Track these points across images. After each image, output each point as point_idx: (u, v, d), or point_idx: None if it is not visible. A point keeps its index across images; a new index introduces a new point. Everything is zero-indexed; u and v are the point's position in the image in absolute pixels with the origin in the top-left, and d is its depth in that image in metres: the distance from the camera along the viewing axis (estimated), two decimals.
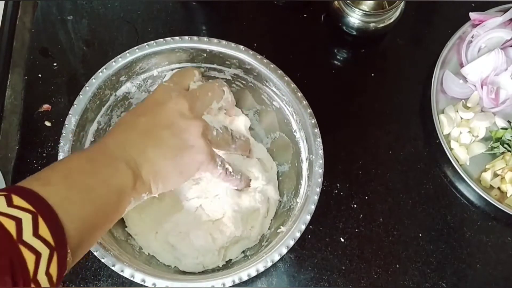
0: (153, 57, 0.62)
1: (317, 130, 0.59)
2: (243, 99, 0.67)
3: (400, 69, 0.75)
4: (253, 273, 0.53)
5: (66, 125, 0.58)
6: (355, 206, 0.67)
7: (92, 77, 0.60)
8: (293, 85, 0.60)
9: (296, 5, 0.77)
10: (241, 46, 0.61)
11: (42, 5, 0.77)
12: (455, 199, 0.68)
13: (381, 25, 0.71)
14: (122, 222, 0.61)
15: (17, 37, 0.75)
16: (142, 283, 0.53)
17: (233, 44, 0.61)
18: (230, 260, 0.61)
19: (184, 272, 0.60)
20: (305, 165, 0.60)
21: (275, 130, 0.66)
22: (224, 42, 0.61)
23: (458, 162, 0.67)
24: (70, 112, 0.58)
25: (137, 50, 0.61)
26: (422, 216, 0.67)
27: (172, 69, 0.64)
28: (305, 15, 0.77)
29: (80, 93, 0.59)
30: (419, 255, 0.65)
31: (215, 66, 0.64)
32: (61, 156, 0.57)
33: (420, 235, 0.66)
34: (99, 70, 0.60)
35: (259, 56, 0.61)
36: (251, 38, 0.74)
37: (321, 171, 0.57)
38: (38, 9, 0.76)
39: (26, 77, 0.73)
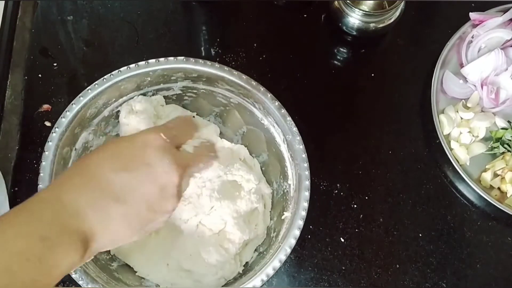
0: (99, 98, 0.60)
1: (283, 111, 0.59)
2: (200, 107, 0.66)
3: (400, 69, 0.75)
4: (278, 265, 0.54)
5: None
6: (355, 206, 0.67)
7: (48, 139, 0.58)
8: (244, 76, 0.60)
9: (296, 5, 0.77)
10: (182, 57, 0.60)
11: (42, 5, 0.77)
12: (455, 199, 0.68)
13: (381, 25, 0.71)
14: (130, 268, 0.60)
15: (17, 37, 0.75)
16: None
17: (172, 58, 0.60)
18: (247, 263, 0.61)
19: None
20: (284, 147, 0.60)
21: (241, 125, 0.66)
22: (162, 59, 0.60)
23: (458, 162, 0.67)
24: (39, 182, 0.57)
25: (81, 98, 0.59)
26: (422, 216, 0.67)
27: (121, 104, 0.62)
28: (305, 15, 0.77)
29: (42, 160, 0.57)
30: (419, 255, 0.65)
31: (161, 86, 0.63)
32: None
33: (420, 235, 0.66)
34: (52, 130, 0.58)
35: (201, 61, 0.60)
36: (251, 38, 0.75)
37: (302, 147, 0.58)
38: (38, 9, 0.76)
39: (26, 77, 0.73)
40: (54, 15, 0.76)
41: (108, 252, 0.60)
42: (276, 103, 0.59)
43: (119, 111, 0.62)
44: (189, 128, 0.53)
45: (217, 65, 0.60)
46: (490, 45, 0.73)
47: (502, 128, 0.70)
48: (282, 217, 0.58)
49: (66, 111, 0.59)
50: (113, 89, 0.60)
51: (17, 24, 0.75)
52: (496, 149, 0.68)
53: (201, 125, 0.65)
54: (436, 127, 0.68)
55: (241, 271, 0.60)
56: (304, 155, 0.57)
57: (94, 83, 0.59)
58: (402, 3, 0.71)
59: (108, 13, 0.76)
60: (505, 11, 0.73)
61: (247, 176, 0.61)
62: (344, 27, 0.73)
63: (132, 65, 0.60)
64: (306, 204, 0.56)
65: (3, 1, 0.75)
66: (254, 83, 0.60)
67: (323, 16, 0.77)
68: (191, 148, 0.51)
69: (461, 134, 0.69)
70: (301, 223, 0.55)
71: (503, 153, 0.68)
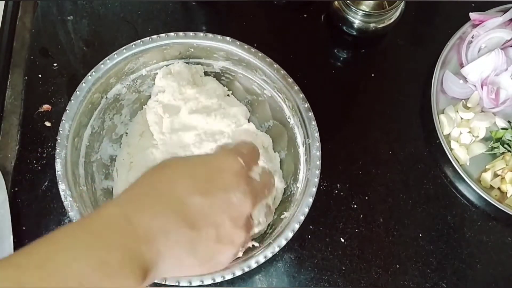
0: (141, 56, 0.62)
1: (311, 114, 0.59)
2: (234, 90, 0.67)
3: (400, 69, 0.75)
4: (262, 260, 0.54)
5: (61, 131, 0.58)
6: (355, 206, 0.67)
7: (82, 81, 0.60)
8: (283, 71, 0.60)
9: (296, 5, 0.77)
10: (228, 38, 0.61)
11: (42, 5, 0.77)
12: (455, 199, 0.68)
13: (381, 25, 0.71)
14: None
15: (17, 37, 0.75)
16: None
17: (219, 37, 0.62)
18: None
19: None
20: (302, 150, 0.60)
21: (268, 118, 0.66)
22: (210, 35, 0.61)
23: (458, 162, 0.67)
24: (63, 118, 0.59)
25: (124, 51, 0.61)
26: (422, 216, 0.67)
27: (161, 67, 0.64)
28: (305, 15, 0.77)
29: (72, 98, 0.59)
30: (419, 255, 0.65)
31: (203, 60, 0.65)
32: (58, 163, 0.57)
33: (420, 235, 0.66)
34: (88, 74, 0.60)
35: (246, 46, 0.61)
36: (251, 38, 0.74)
37: (319, 153, 0.57)
38: (38, 9, 0.76)
39: (26, 77, 0.73)
40: (54, 15, 0.76)
41: None
42: (306, 105, 0.59)
43: (157, 73, 0.64)
44: (256, 154, 0.47)
45: (260, 54, 0.61)
46: (490, 45, 0.73)
47: (502, 128, 0.70)
48: (282, 216, 0.58)
49: (107, 59, 0.60)
50: (156, 51, 0.62)
51: (17, 24, 0.75)
52: (496, 149, 0.68)
53: (234, 104, 0.66)
54: (436, 127, 0.68)
55: None
56: (319, 162, 0.57)
57: (140, 40, 0.61)
58: (402, 3, 0.70)
59: (108, 13, 0.76)
60: (505, 11, 0.73)
61: (263, 164, 0.61)
62: (344, 27, 0.73)
63: (181, 33, 0.62)
64: (306, 210, 0.55)
65: (3, 1, 0.75)
66: (290, 80, 0.60)
67: (323, 16, 0.77)
68: (257, 176, 0.46)
69: (461, 134, 0.69)
70: (296, 226, 0.55)
71: (503, 153, 0.68)
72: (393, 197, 0.68)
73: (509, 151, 0.68)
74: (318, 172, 0.57)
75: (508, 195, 0.66)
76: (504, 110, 0.71)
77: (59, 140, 0.58)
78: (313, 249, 0.65)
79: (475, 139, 0.70)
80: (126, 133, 0.66)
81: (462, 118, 0.70)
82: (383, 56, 0.77)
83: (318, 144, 0.58)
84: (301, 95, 0.59)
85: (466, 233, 0.67)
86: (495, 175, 0.68)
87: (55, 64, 0.73)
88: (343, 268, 0.65)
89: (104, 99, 0.62)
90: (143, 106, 0.66)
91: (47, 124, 0.70)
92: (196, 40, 0.62)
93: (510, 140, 0.68)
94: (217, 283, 0.62)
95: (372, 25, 0.71)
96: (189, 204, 0.40)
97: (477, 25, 0.73)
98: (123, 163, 0.64)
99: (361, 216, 0.67)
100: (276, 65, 0.60)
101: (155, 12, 0.77)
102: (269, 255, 0.54)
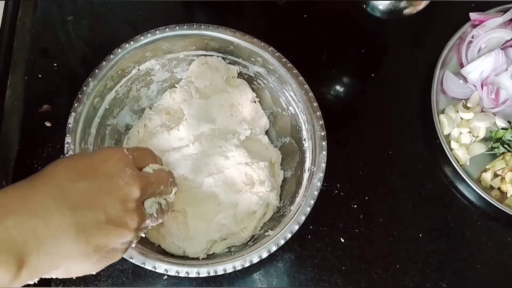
0: (182, 39, 0.63)
1: (324, 143, 0.59)
2: (262, 98, 0.67)
3: (400, 69, 0.75)
4: (229, 269, 0.54)
5: (84, 88, 0.59)
6: (355, 206, 0.67)
7: (118, 47, 0.61)
8: (310, 93, 0.61)
9: (296, 5, 0.77)
10: (269, 46, 0.62)
11: (42, 5, 0.77)
12: (455, 199, 0.68)
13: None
14: None
15: (17, 37, 0.75)
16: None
17: (261, 43, 0.62)
18: (214, 253, 0.61)
19: (164, 252, 0.60)
20: (306, 175, 0.60)
21: (286, 135, 0.66)
22: (253, 39, 0.62)
23: (458, 162, 0.67)
24: (89, 77, 0.59)
25: (167, 30, 0.62)
26: (422, 216, 0.67)
27: (198, 55, 0.65)
28: (305, 15, 0.77)
29: (104, 60, 0.60)
30: (419, 255, 0.65)
31: (240, 60, 0.65)
32: (72, 117, 0.58)
33: (420, 235, 0.66)
34: (126, 42, 0.61)
35: (284, 59, 0.62)
36: None
37: (319, 184, 0.57)
38: (38, 9, 0.76)
39: (26, 77, 0.73)
40: (54, 15, 0.76)
41: None
42: (323, 133, 0.59)
43: (193, 59, 0.65)
44: (148, 153, 0.49)
45: (294, 70, 0.62)
46: (490, 45, 0.73)
47: (502, 128, 0.70)
48: (265, 233, 0.58)
49: (148, 33, 0.61)
50: (197, 39, 0.63)
51: (17, 24, 0.75)
52: (496, 149, 0.68)
53: (258, 111, 0.66)
54: (436, 127, 0.68)
55: (200, 258, 0.59)
56: (316, 193, 0.57)
57: (184, 24, 0.62)
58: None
59: (108, 13, 0.76)
60: (505, 11, 0.73)
61: (264, 178, 0.61)
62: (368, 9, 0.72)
63: (226, 29, 0.62)
64: (289, 235, 0.55)
65: (3, 1, 0.75)
66: (315, 104, 0.60)
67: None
68: (151, 170, 0.47)
69: (461, 134, 0.69)
70: (273, 248, 0.54)
71: (503, 153, 0.68)
72: (393, 197, 0.68)
73: (509, 151, 0.68)
74: (312, 202, 0.56)
75: (508, 195, 0.66)
76: (504, 110, 0.71)
77: (79, 96, 0.59)
78: (313, 249, 0.65)
79: (475, 139, 0.70)
80: (149, 107, 0.67)
81: (462, 118, 0.70)
82: (383, 56, 0.77)
83: (321, 175, 0.57)
84: (321, 122, 0.59)
85: (466, 233, 0.67)
86: (495, 175, 0.68)
87: (55, 64, 0.73)
88: (343, 268, 0.65)
89: (136, 69, 0.64)
90: (176, 85, 0.67)
91: (47, 124, 0.70)
92: (237, 40, 0.62)
93: (510, 140, 0.68)
94: (217, 282, 0.62)
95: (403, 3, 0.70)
96: (71, 188, 0.39)
97: (477, 25, 0.73)
98: (135, 134, 0.65)
99: (361, 216, 0.67)
100: (306, 86, 0.61)
101: (155, 12, 0.77)
102: (238, 267, 0.54)
